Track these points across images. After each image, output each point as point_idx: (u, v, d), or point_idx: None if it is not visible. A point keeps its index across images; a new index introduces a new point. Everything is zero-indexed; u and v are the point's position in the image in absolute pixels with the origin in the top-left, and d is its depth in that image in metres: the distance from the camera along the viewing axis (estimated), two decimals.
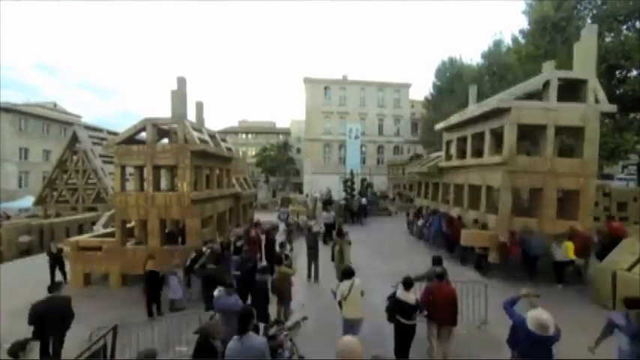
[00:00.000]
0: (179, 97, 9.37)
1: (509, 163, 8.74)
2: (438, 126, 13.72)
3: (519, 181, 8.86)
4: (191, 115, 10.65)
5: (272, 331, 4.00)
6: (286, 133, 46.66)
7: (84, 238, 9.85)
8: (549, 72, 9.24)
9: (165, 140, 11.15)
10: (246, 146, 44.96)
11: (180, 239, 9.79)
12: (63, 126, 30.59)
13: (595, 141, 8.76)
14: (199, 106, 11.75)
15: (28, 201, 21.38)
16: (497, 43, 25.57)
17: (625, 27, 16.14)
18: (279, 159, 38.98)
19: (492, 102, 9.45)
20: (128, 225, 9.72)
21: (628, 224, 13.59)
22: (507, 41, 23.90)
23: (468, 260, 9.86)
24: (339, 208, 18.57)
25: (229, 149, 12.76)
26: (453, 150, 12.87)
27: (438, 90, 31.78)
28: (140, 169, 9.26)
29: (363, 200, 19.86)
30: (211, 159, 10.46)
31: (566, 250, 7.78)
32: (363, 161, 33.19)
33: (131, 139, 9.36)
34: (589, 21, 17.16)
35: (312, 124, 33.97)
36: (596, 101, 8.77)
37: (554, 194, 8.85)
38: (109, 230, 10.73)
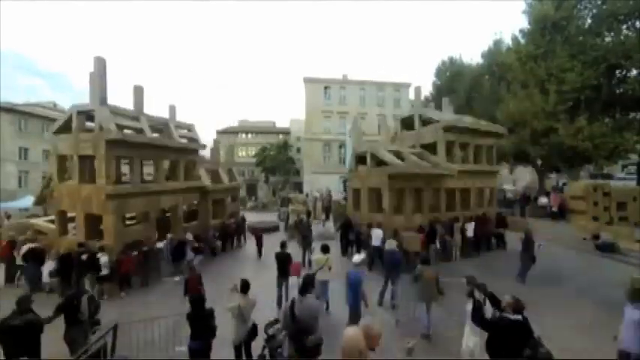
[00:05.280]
0: (98, 79, 8.24)
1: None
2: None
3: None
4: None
5: (272, 330, 3.91)
6: (286, 132, 46.52)
7: (38, 221, 10.62)
8: None
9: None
10: (246, 146, 44.84)
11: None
12: None
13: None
14: (138, 91, 10.07)
15: (28, 201, 21.31)
16: (497, 43, 25.50)
17: (625, 26, 16.10)
18: (279, 158, 38.84)
19: None
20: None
21: (628, 224, 13.59)
22: (507, 41, 23.83)
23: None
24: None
25: (194, 140, 11.84)
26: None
27: (437, 89, 31.78)
28: (88, 158, 8.60)
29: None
30: (150, 149, 9.36)
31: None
32: None
33: (68, 127, 8.84)
34: (589, 20, 17.15)
35: (311, 124, 33.93)
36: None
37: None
38: None
